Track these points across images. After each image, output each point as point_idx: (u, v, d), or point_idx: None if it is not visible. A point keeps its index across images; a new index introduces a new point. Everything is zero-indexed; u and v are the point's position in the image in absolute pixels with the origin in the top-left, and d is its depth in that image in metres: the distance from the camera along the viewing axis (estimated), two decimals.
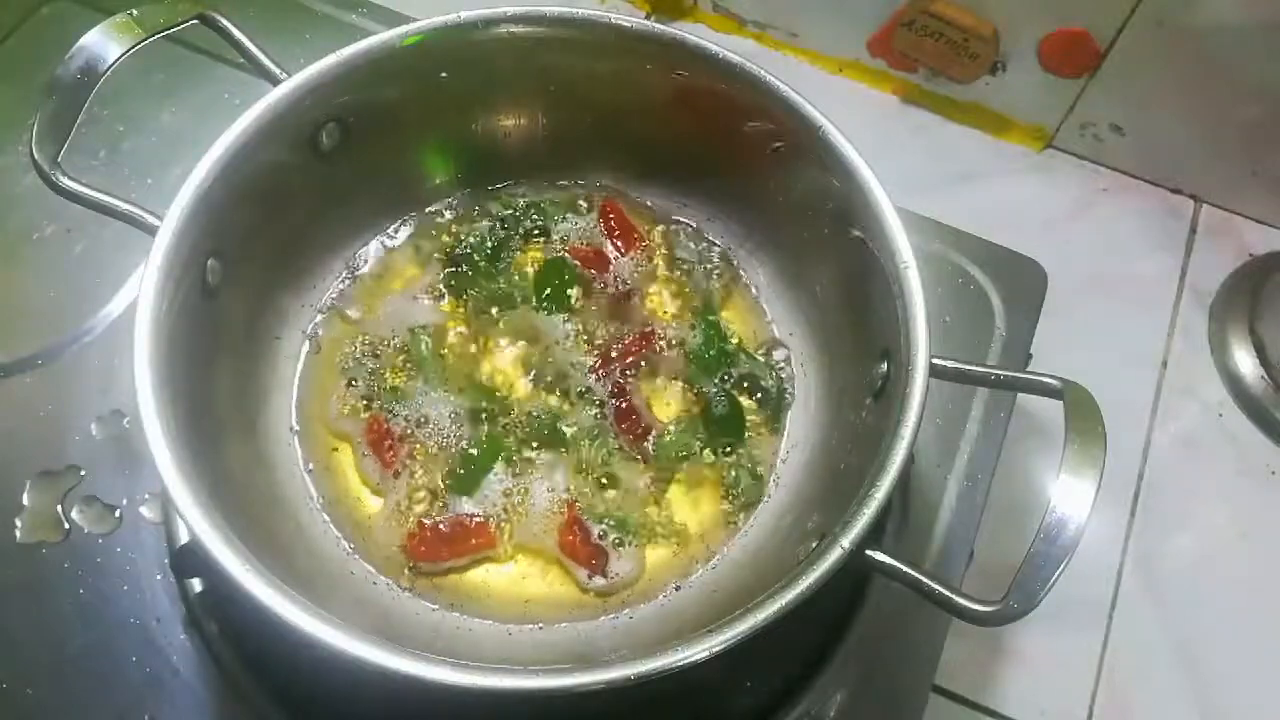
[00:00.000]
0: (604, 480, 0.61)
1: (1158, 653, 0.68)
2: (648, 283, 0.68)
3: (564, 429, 0.62)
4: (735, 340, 0.66)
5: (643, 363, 0.65)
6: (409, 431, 0.62)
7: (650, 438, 0.62)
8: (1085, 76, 0.81)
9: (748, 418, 0.64)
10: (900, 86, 0.89)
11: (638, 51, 0.62)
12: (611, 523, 0.60)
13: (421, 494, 0.60)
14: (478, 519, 0.59)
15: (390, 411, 0.62)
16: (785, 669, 0.59)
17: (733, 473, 0.62)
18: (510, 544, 0.59)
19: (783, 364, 0.66)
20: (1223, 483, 0.74)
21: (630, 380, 0.64)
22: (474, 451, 0.61)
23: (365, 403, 0.63)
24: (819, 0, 0.86)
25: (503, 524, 0.60)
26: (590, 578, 0.59)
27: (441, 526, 0.59)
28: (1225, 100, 0.79)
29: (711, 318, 0.66)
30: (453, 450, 0.61)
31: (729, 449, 0.63)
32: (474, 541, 0.59)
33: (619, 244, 0.69)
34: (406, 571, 0.58)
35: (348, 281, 0.67)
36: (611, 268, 0.68)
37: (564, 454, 0.62)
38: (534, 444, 0.62)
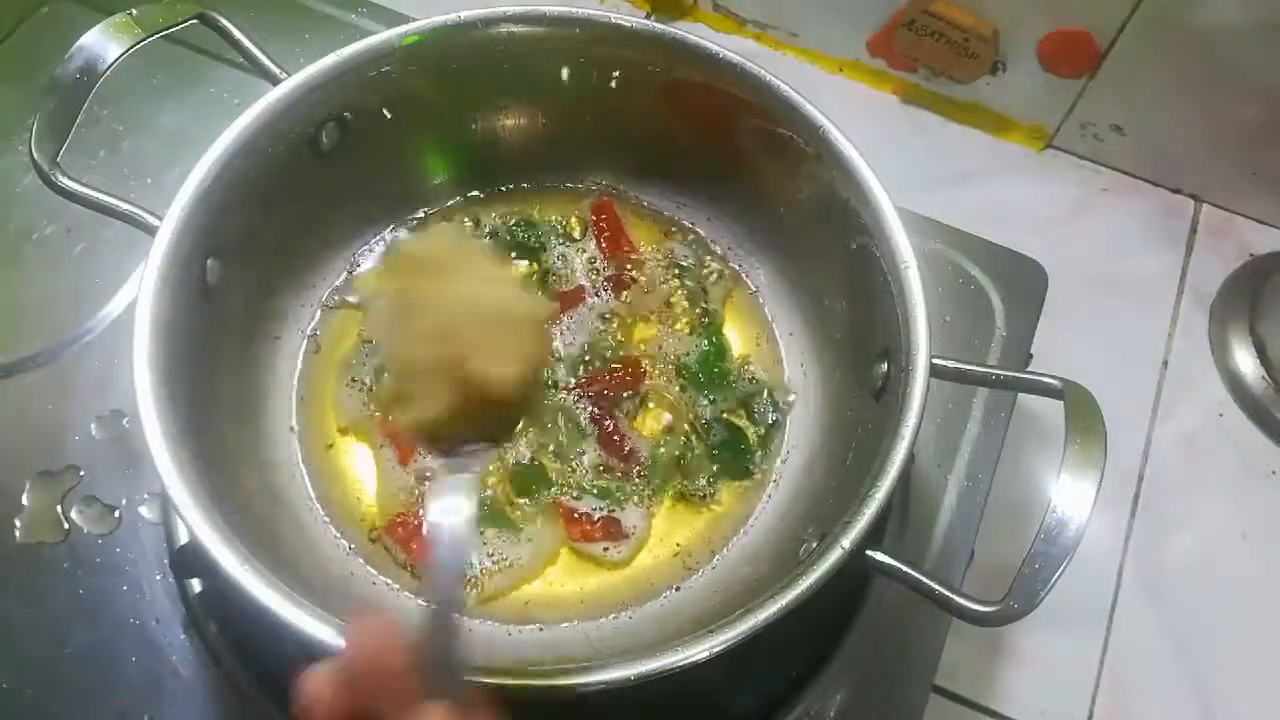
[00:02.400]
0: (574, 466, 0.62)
1: (1158, 653, 0.68)
2: (643, 297, 0.68)
3: (546, 460, 0.62)
4: (735, 359, 0.66)
5: (631, 393, 0.64)
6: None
7: (640, 456, 0.62)
8: (1085, 76, 0.81)
9: (747, 431, 0.64)
10: (900, 86, 0.89)
11: (638, 51, 0.62)
12: (595, 492, 0.60)
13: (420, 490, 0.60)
14: None
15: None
16: (785, 669, 0.59)
17: (730, 475, 0.62)
18: (476, 599, 0.58)
19: (782, 389, 0.66)
20: (1223, 483, 0.74)
21: (619, 415, 0.64)
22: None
23: (370, 396, 0.63)
24: (819, 0, 0.86)
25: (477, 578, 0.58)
26: (606, 551, 0.59)
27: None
28: (1225, 100, 0.79)
29: (715, 339, 0.66)
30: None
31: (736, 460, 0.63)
32: None
33: (611, 249, 0.69)
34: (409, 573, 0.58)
35: (347, 281, 0.67)
36: (595, 289, 0.68)
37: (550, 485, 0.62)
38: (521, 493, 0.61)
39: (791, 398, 0.65)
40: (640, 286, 0.68)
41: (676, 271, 0.69)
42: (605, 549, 0.59)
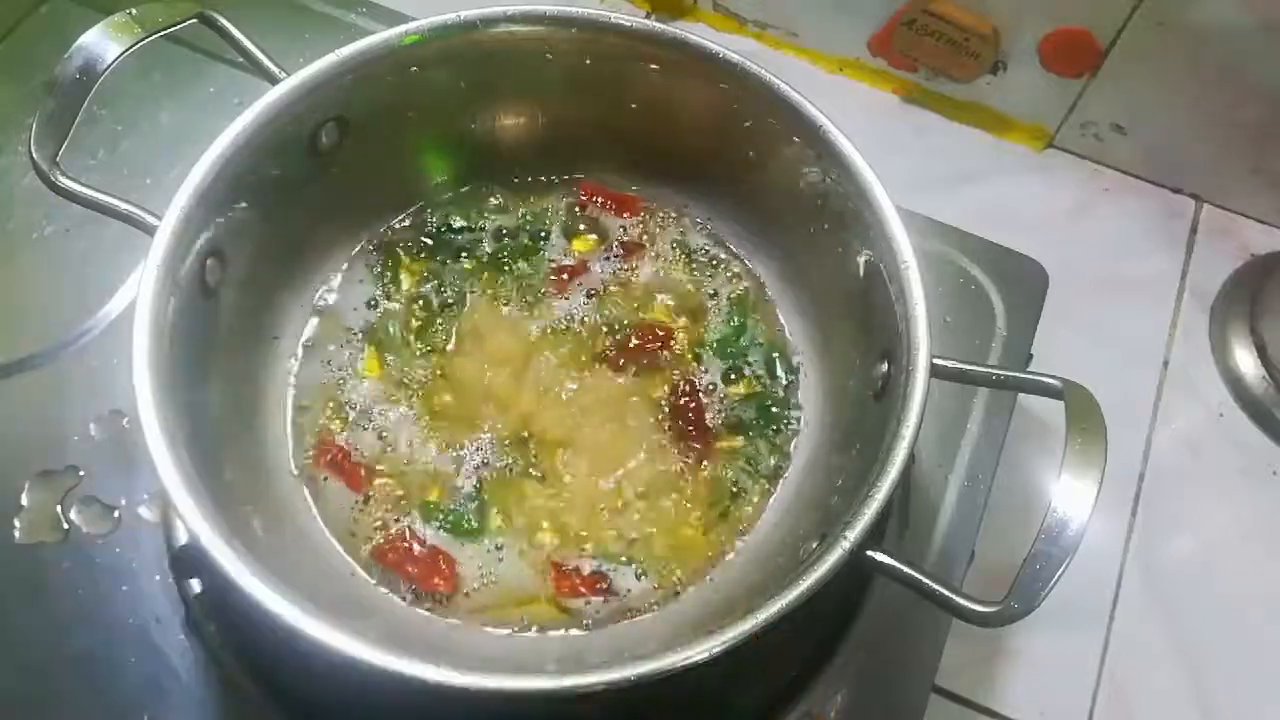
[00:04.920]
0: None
1: (1158, 653, 0.68)
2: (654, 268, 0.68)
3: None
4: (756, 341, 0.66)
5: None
6: (377, 454, 0.61)
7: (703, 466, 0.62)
8: (1086, 76, 0.81)
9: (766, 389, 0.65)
10: (900, 86, 0.89)
11: (638, 51, 0.62)
12: (588, 549, 0.59)
13: (393, 513, 0.60)
14: (448, 559, 0.58)
15: (360, 426, 0.62)
16: (785, 669, 0.59)
17: (738, 472, 0.62)
18: (469, 603, 0.57)
19: (791, 369, 0.66)
20: (1224, 483, 0.74)
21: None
22: (467, 517, 0.60)
23: (335, 416, 0.62)
24: (819, 0, 0.86)
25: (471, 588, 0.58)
26: (589, 604, 0.57)
27: (416, 548, 0.58)
28: (1226, 100, 0.79)
29: (740, 319, 0.66)
30: (430, 471, 0.61)
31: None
32: (435, 580, 0.57)
33: (626, 211, 0.69)
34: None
35: (345, 281, 0.67)
36: (606, 256, 0.68)
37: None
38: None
39: (798, 359, 0.66)
40: (651, 255, 0.69)
41: (685, 259, 0.69)
42: (588, 603, 0.57)
